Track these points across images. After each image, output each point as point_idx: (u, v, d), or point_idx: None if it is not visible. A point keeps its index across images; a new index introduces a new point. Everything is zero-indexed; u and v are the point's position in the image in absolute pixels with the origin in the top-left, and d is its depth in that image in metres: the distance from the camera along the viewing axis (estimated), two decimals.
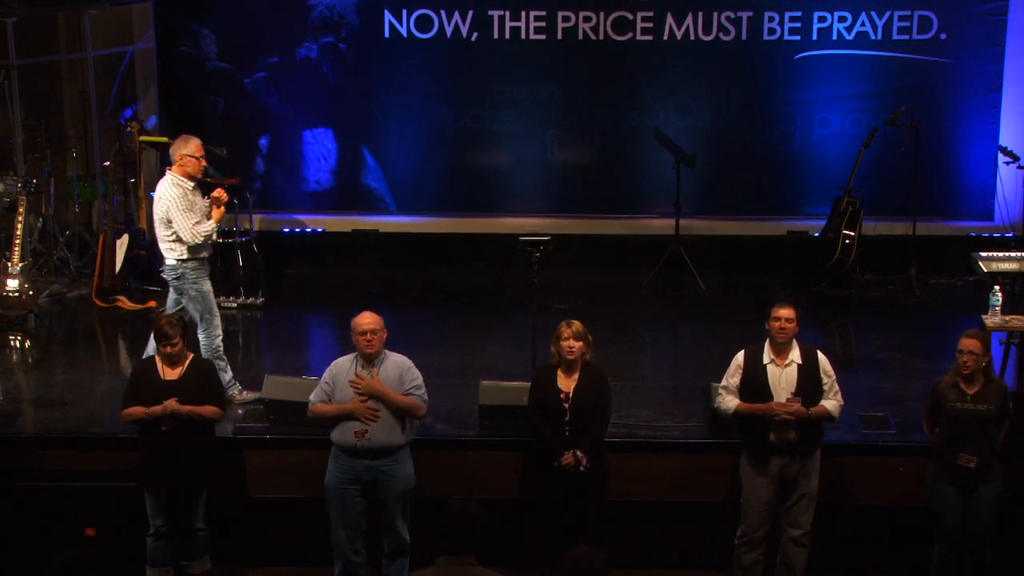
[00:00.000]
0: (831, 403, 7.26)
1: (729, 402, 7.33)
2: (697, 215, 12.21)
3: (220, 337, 8.54)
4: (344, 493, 7.22)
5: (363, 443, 7.12)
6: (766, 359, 7.27)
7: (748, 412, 7.26)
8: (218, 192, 8.42)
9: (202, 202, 8.43)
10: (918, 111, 11.52)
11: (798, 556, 7.34)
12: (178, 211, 8.25)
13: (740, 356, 7.36)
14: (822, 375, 7.26)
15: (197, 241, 8.30)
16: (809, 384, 7.21)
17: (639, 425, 8.16)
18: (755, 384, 7.23)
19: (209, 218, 8.38)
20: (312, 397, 7.34)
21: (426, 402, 7.32)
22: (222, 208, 8.42)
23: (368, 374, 7.18)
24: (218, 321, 8.53)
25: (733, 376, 7.34)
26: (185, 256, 8.33)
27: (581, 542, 6.80)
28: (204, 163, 8.47)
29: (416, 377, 7.28)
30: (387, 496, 7.22)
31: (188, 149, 8.33)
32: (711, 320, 10.69)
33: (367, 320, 7.19)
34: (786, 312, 7.21)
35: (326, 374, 7.34)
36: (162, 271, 8.56)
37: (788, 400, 7.15)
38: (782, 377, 7.22)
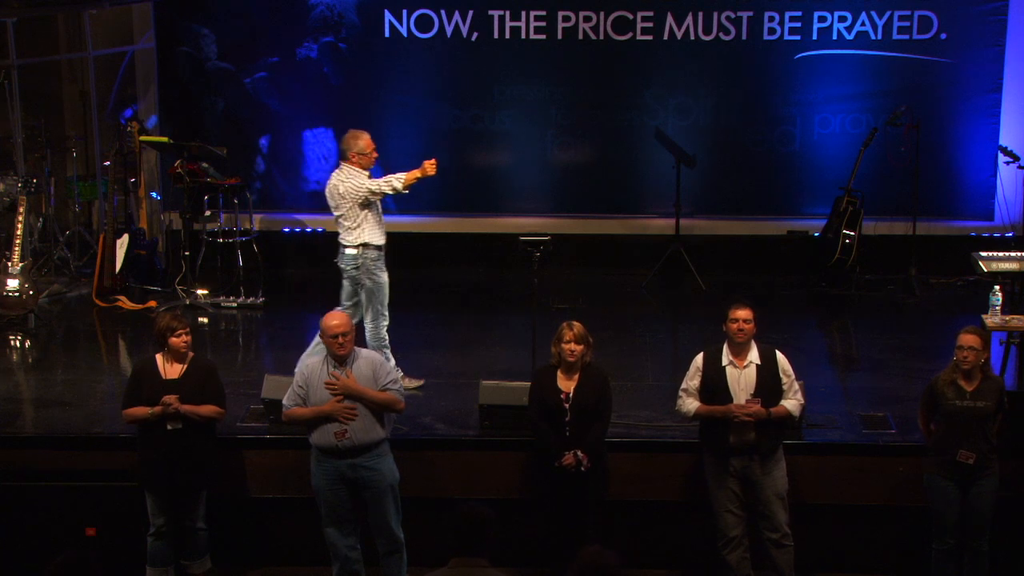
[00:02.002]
0: (791, 403, 7.27)
1: (689, 405, 7.34)
2: (697, 215, 12.21)
3: (386, 327, 8.66)
4: (333, 494, 7.20)
5: (344, 443, 7.09)
6: (725, 360, 7.27)
7: (708, 414, 7.27)
8: (432, 162, 8.57)
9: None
10: (918, 111, 11.52)
11: (783, 557, 7.32)
12: (350, 190, 8.56)
13: (699, 358, 7.37)
14: (781, 375, 7.27)
15: (370, 187, 8.55)
16: (768, 384, 7.21)
17: (639, 425, 8.16)
18: (715, 386, 7.23)
19: (395, 189, 8.59)
20: (286, 401, 7.29)
21: (403, 395, 7.32)
22: (415, 173, 8.56)
23: (343, 373, 7.15)
24: (387, 314, 8.67)
25: (693, 378, 7.34)
26: (365, 242, 8.60)
27: (584, 542, 6.83)
28: (376, 155, 8.74)
29: (390, 371, 7.27)
30: (376, 492, 7.20)
31: (359, 146, 8.66)
32: (711, 320, 10.63)
33: (337, 322, 7.13)
34: (743, 313, 7.21)
35: (297, 376, 7.29)
36: (337, 260, 8.74)
37: (747, 401, 7.15)
38: (741, 378, 7.22)
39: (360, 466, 7.15)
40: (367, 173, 8.65)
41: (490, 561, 5.30)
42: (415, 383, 8.79)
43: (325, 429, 7.12)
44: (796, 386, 7.31)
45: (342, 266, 8.75)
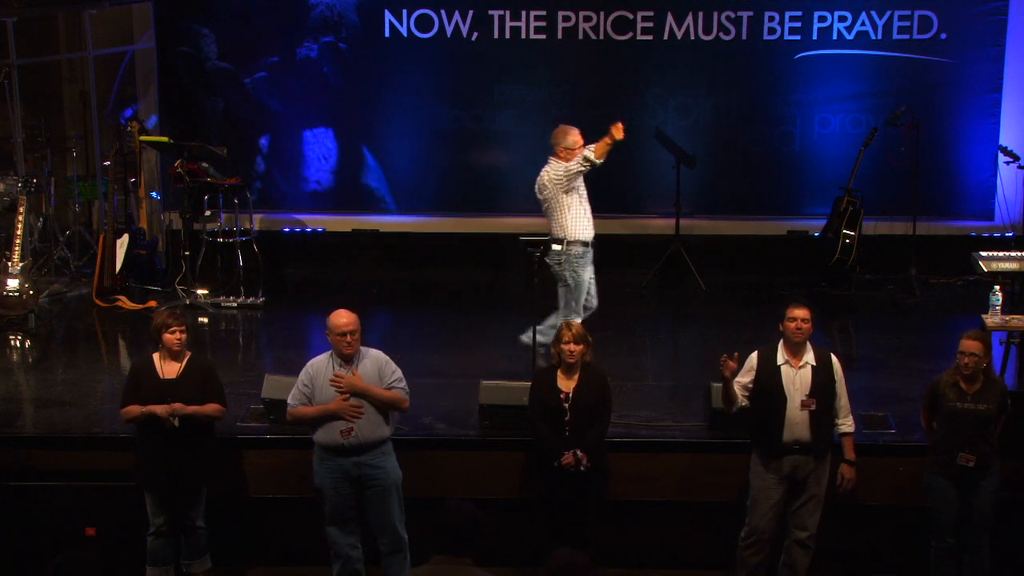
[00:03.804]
0: (850, 426, 7.34)
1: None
2: (697, 215, 12.20)
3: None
4: (337, 493, 7.20)
5: (349, 441, 7.10)
6: (780, 360, 7.24)
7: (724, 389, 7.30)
8: (618, 126, 8.48)
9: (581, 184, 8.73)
10: (918, 111, 11.52)
11: (802, 558, 7.32)
12: (553, 178, 8.63)
13: (754, 357, 7.33)
14: (835, 377, 7.27)
15: (568, 167, 8.60)
16: (823, 386, 7.19)
17: (639, 425, 8.16)
18: (769, 385, 7.19)
19: (589, 159, 8.55)
20: (290, 400, 7.28)
21: (408, 393, 7.31)
22: (605, 140, 8.50)
23: (348, 372, 7.16)
24: (578, 315, 8.65)
25: (744, 376, 7.31)
26: (568, 237, 8.61)
27: (580, 542, 6.84)
28: (585, 150, 8.68)
29: (395, 370, 7.26)
30: (380, 490, 7.21)
31: (568, 142, 8.71)
32: (711, 320, 10.69)
33: (345, 321, 7.12)
34: (802, 312, 7.18)
35: (303, 376, 7.28)
36: (547, 257, 8.72)
37: (802, 403, 7.14)
38: (796, 378, 7.19)
39: (365, 464, 7.15)
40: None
41: (474, 561, 5.28)
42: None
43: (330, 427, 7.12)
44: (847, 398, 7.33)
45: (548, 261, 8.73)
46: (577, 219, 8.71)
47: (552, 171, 8.74)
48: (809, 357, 7.24)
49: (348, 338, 7.10)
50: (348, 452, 7.13)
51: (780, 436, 7.15)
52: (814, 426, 7.14)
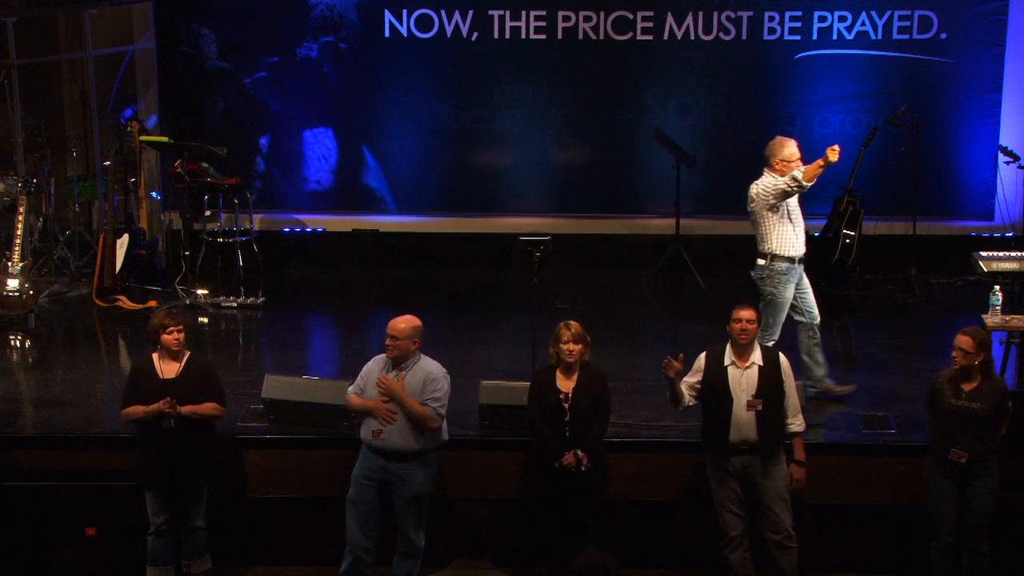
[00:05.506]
0: (800, 425, 7.31)
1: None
2: (697, 215, 12.20)
3: (771, 342, 8.33)
4: (361, 489, 7.28)
5: (377, 442, 7.19)
6: (727, 361, 7.27)
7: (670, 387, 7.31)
8: (833, 148, 8.12)
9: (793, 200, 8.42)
10: (918, 111, 11.52)
11: (784, 558, 7.30)
12: (760, 193, 8.36)
13: (701, 358, 7.38)
14: (783, 378, 7.27)
15: (776, 186, 8.26)
16: (770, 387, 7.21)
17: (639, 425, 8.16)
18: (715, 385, 7.23)
19: (797, 180, 8.19)
20: (349, 388, 7.47)
21: (442, 417, 7.30)
22: (819, 162, 8.11)
23: (395, 377, 7.22)
24: (776, 331, 8.40)
25: (692, 376, 7.36)
26: (773, 252, 8.41)
27: (581, 542, 6.83)
28: (801, 164, 8.33)
29: (438, 389, 7.26)
30: (398, 499, 7.26)
31: (783, 154, 8.37)
32: (711, 320, 10.65)
33: (394, 323, 7.27)
34: (747, 313, 7.22)
35: (364, 368, 7.44)
36: (752, 272, 8.61)
37: (748, 403, 7.15)
38: (743, 379, 7.21)
39: (390, 470, 7.22)
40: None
41: (492, 562, 5.31)
42: (844, 389, 8.61)
43: (367, 424, 7.27)
44: (796, 397, 7.31)
45: (752, 276, 8.60)
46: (784, 233, 8.41)
47: (761, 185, 8.42)
48: (756, 357, 7.26)
49: (388, 340, 7.22)
50: (377, 453, 7.24)
51: (727, 436, 7.18)
52: (761, 426, 7.15)
